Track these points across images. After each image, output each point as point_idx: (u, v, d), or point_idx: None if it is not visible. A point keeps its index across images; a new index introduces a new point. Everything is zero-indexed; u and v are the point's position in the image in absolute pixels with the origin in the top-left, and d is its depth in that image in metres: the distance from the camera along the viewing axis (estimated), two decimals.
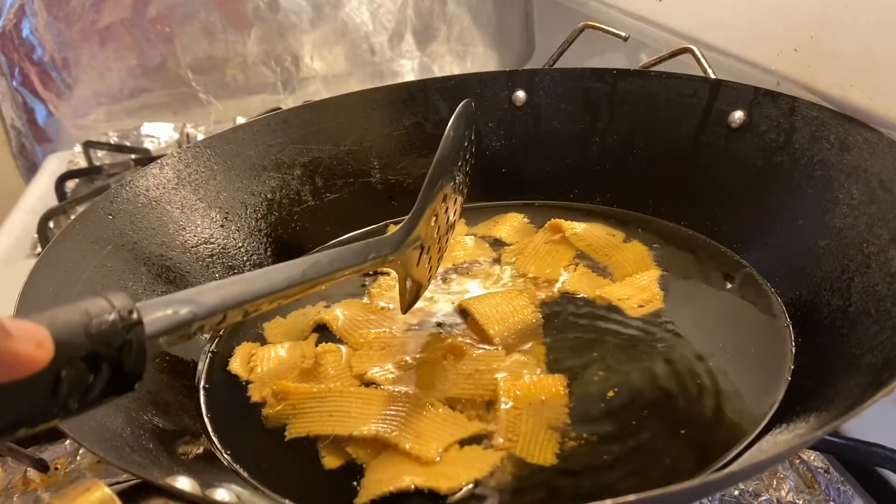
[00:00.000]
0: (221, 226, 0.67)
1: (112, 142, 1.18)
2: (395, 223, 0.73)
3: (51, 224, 0.94)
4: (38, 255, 0.63)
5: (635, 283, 0.60)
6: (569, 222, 0.67)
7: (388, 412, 0.48)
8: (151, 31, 1.20)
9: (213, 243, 0.65)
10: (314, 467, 0.46)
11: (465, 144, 0.52)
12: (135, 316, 0.31)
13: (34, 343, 0.27)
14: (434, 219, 0.51)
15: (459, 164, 0.52)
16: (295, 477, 0.46)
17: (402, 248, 0.50)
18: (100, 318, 0.30)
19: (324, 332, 0.58)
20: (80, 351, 0.29)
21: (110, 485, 0.31)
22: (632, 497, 0.29)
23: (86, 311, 0.30)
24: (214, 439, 0.50)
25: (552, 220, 0.68)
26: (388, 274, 0.64)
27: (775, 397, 0.47)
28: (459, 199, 0.54)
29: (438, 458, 0.44)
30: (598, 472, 0.43)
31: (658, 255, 0.64)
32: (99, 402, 0.30)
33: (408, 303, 0.54)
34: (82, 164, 1.13)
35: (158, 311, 0.33)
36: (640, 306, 0.57)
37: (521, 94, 0.75)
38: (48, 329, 0.28)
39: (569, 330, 0.55)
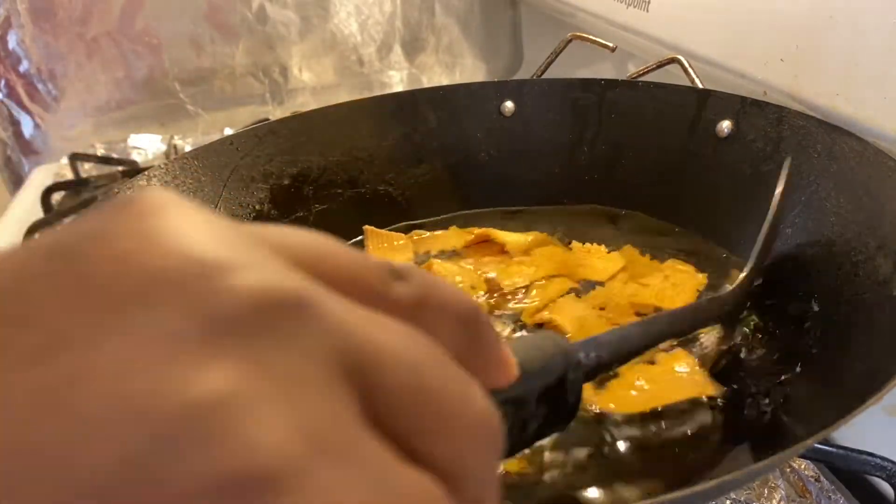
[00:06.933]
0: None
1: (99, 154, 1.17)
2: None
3: (37, 237, 0.93)
4: None
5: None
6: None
7: None
8: (139, 43, 1.20)
9: None
10: None
11: None
12: (581, 355, 0.31)
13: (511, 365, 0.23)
14: None
15: None
16: None
17: None
18: (553, 354, 0.28)
19: None
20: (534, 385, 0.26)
21: None
22: None
23: (538, 345, 0.28)
24: None
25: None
26: None
27: None
28: None
29: None
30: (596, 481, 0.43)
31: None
32: (532, 441, 0.28)
33: None
34: (69, 176, 1.12)
35: (581, 353, 0.32)
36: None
37: (509, 105, 0.75)
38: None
39: None
